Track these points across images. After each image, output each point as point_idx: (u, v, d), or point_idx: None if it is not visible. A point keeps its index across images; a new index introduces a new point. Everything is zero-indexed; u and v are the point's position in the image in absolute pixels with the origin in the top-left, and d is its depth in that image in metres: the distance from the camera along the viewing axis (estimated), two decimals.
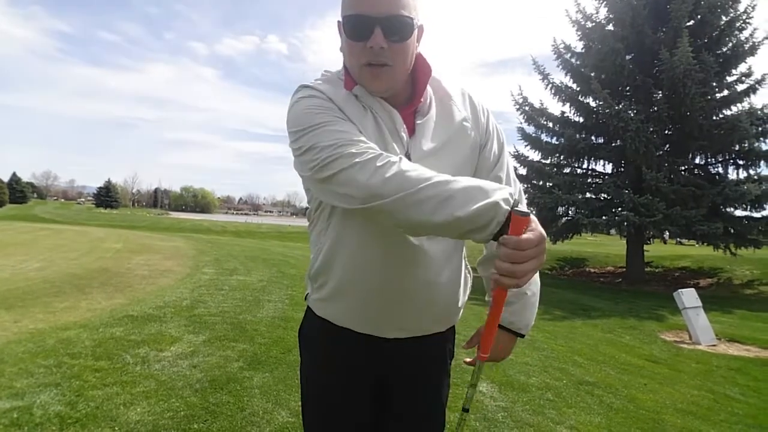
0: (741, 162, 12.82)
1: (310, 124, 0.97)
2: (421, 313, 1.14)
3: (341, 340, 1.15)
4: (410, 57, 1.03)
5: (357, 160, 0.89)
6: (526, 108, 14.81)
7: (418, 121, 1.06)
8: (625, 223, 12.06)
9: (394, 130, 1.04)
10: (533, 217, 0.84)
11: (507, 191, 0.85)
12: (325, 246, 1.12)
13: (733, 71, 13.00)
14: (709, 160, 13.48)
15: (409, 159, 1.02)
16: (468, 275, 1.26)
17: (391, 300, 1.10)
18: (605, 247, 21.22)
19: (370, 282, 1.09)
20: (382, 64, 0.99)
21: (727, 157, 13.04)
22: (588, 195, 14.08)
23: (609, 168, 14.55)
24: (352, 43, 1.00)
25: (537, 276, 1.15)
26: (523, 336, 1.23)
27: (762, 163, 12.54)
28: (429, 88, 1.09)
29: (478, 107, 1.15)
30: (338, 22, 1.03)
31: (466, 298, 1.26)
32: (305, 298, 1.27)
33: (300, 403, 1.27)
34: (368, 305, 1.12)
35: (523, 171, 14.95)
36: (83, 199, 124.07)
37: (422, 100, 1.06)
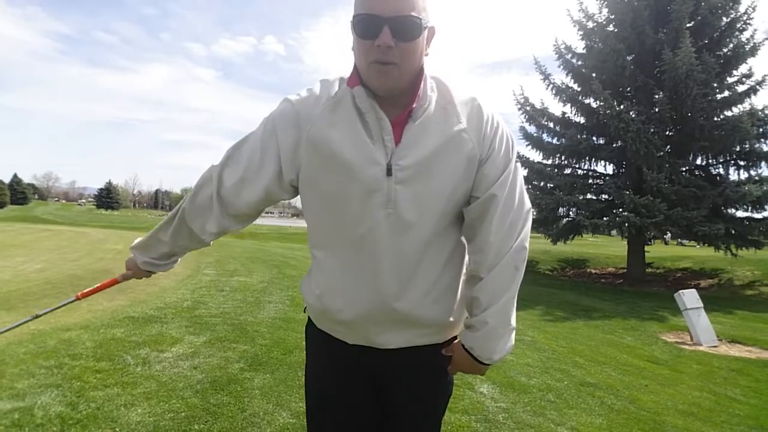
0: (742, 163, 12.79)
1: (239, 144, 1.20)
2: (411, 329, 1.14)
3: (339, 346, 1.18)
4: (418, 57, 1.04)
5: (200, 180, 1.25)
6: (528, 108, 14.81)
7: (408, 127, 1.06)
8: (626, 224, 12.04)
9: (380, 138, 1.05)
10: None
11: None
12: (312, 268, 1.20)
13: (734, 72, 12.98)
14: (710, 161, 13.46)
15: (390, 168, 1.03)
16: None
17: (379, 320, 1.12)
18: (606, 248, 21.19)
19: (355, 303, 1.11)
20: (390, 62, 1.00)
21: (728, 158, 13.01)
22: (589, 196, 14.07)
23: (610, 169, 14.55)
24: (361, 42, 1.01)
25: (507, 308, 1.11)
26: (486, 365, 1.16)
27: (763, 164, 12.50)
28: (432, 95, 1.08)
29: (484, 118, 1.10)
30: (351, 21, 1.04)
31: (464, 314, 1.23)
32: (304, 310, 1.29)
33: (305, 406, 1.29)
34: (355, 325, 1.13)
35: (524, 172, 14.91)
36: (84, 201, 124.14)
37: (415, 105, 1.05)
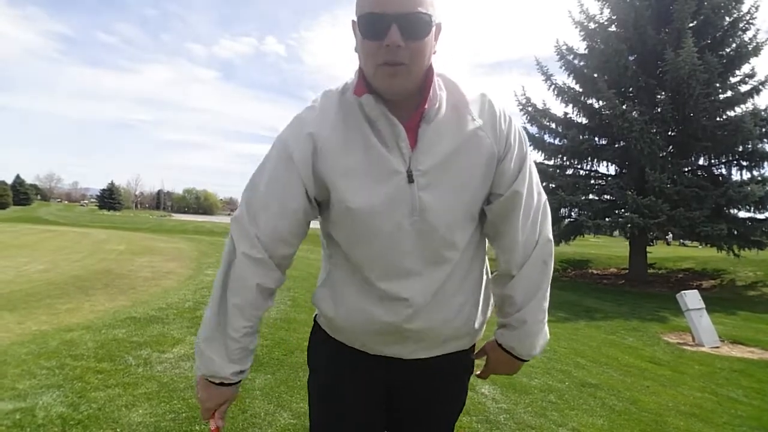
0: (744, 163, 12.77)
1: (254, 182, 1.07)
2: (433, 342, 1.10)
3: (353, 356, 1.13)
4: (428, 56, 0.98)
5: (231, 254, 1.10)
6: (529, 109, 14.80)
7: (422, 130, 1.00)
8: (629, 225, 12.01)
9: (395, 145, 0.99)
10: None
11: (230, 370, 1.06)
12: (332, 280, 1.16)
13: (737, 72, 12.97)
14: (712, 161, 13.44)
15: (411, 174, 0.99)
16: (490, 293, 1.20)
17: (399, 335, 1.08)
18: (608, 249, 21.16)
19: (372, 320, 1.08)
20: (399, 63, 0.94)
21: (730, 159, 13.00)
22: (591, 196, 14.07)
23: (612, 169, 14.55)
24: (367, 43, 0.95)
25: (542, 303, 1.12)
26: (526, 360, 1.18)
27: (765, 164, 12.49)
28: (442, 94, 1.02)
29: (497, 114, 1.05)
30: (353, 21, 0.99)
31: (487, 316, 1.19)
32: (315, 318, 1.24)
33: (305, 407, 1.26)
34: (377, 339, 1.10)
35: None
36: (86, 201, 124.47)
37: (427, 106, 0.98)
